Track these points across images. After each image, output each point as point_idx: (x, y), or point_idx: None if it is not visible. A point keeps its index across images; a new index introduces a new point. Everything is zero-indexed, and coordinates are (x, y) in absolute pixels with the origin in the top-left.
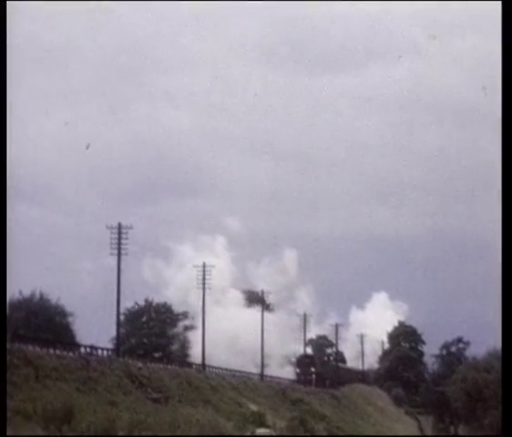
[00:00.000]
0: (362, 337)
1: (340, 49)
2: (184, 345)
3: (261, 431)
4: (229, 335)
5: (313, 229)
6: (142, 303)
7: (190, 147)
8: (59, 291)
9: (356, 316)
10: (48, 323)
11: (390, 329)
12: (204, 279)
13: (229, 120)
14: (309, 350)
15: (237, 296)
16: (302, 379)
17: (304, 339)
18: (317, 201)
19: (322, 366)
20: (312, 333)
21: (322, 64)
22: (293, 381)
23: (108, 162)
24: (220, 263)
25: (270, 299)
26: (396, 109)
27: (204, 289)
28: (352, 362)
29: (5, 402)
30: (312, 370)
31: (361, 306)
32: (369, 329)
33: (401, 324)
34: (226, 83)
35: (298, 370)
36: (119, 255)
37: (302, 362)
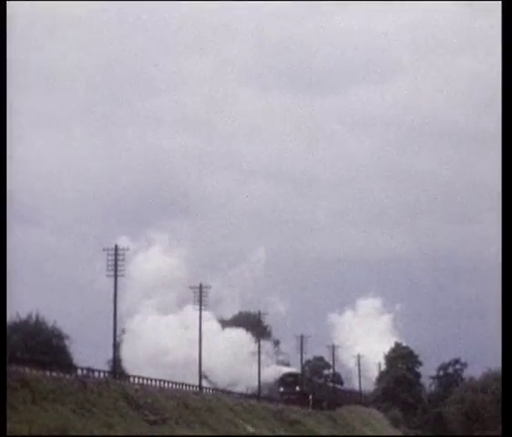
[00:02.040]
0: (358, 358)
1: (331, 71)
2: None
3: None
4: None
5: (305, 250)
6: None
7: (180, 167)
8: (56, 314)
9: (352, 337)
10: (45, 345)
11: (387, 350)
12: (201, 298)
13: (218, 141)
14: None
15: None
16: (286, 398)
17: (301, 359)
18: (309, 222)
19: (307, 384)
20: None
21: (312, 85)
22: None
23: (101, 183)
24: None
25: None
26: (390, 130)
27: (201, 307)
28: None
29: (5, 403)
30: (297, 388)
31: (355, 327)
32: (366, 353)
33: (398, 346)
34: (216, 104)
35: (282, 389)
36: (116, 277)
37: (286, 381)
